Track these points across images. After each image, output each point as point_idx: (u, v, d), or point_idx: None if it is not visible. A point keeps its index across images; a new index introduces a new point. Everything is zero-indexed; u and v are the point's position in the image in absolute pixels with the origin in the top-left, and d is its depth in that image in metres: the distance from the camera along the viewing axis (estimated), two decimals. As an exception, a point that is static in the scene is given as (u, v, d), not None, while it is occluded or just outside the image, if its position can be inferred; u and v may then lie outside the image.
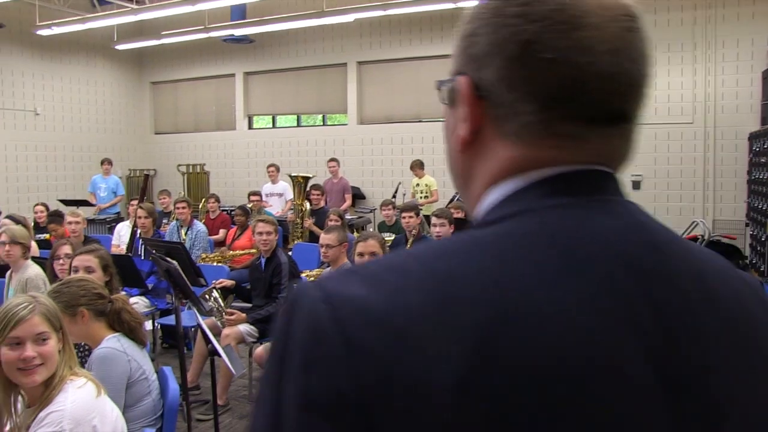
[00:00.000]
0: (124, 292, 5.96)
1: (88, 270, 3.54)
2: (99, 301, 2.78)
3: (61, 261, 4.33)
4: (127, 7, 10.70)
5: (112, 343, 2.72)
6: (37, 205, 8.46)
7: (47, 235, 7.98)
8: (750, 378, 0.63)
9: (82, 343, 2.98)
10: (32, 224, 8.37)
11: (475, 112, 0.67)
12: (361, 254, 4.02)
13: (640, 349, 0.57)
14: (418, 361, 0.53)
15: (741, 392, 0.62)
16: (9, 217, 7.59)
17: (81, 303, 2.70)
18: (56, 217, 8.02)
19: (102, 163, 11.30)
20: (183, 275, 3.80)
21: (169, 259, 3.86)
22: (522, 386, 0.53)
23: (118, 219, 10.16)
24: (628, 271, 0.60)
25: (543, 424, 0.53)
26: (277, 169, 10.86)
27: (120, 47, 12.94)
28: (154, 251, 4.55)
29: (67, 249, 4.36)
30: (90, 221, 9.32)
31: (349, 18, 10.70)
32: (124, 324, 2.82)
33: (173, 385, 2.85)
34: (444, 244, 0.62)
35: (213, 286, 4.79)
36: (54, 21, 11.01)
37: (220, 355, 3.44)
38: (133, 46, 12.98)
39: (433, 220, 5.63)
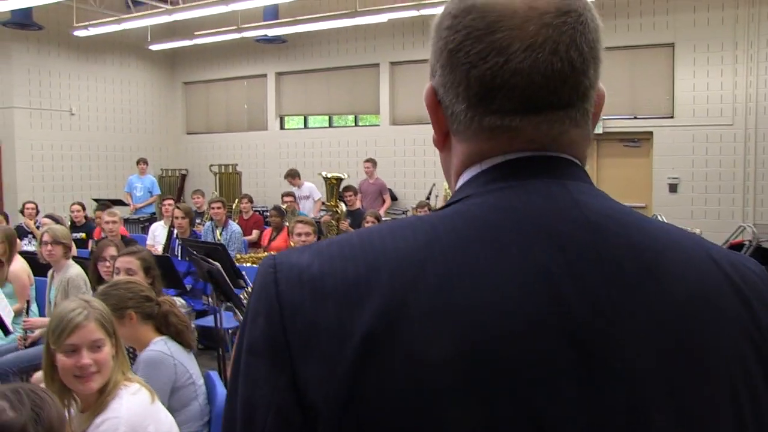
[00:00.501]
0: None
1: (130, 272, 3.49)
2: (146, 304, 2.75)
3: (107, 263, 4.28)
4: (161, 7, 10.74)
5: (159, 346, 2.68)
6: (73, 204, 8.51)
7: (83, 234, 8.05)
8: (682, 356, 0.64)
9: (128, 347, 2.94)
10: (69, 223, 8.45)
11: (437, 115, 0.77)
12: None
13: (557, 320, 0.62)
14: (337, 315, 0.62)
15: (670, 373, 0.63)
16: (48, 216, 7.66)
17: (129, 305, 2.67)
18: (105, 207, 8.16)
19: (138, 162, 11.36)
20: (226, 277, 3.76)
21: (212, 260, 3.81)
22: (429, 341, 0.60)
23: (152, 219, 10.20)
24: (554, 248, 0.65)
25: (445, 387, 0.59)
26: (293, 176, 10.54)
27: (154, 47, 13.01)
28: (194, 252, 4.51)
29: (112, 251, 4.32)
30: (125, 221, 9.37)
31: (382, 18, 10.62)
32: (171, 327, 2.79)
33: (221, 390, 2.81)
34: (393, 224, 0.70)
35: (251, 286, 4.74)
36: (90, 22, 11.10)
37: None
38: (166, 46, 13.04)
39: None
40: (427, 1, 9.84)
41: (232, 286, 3.89)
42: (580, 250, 0.65)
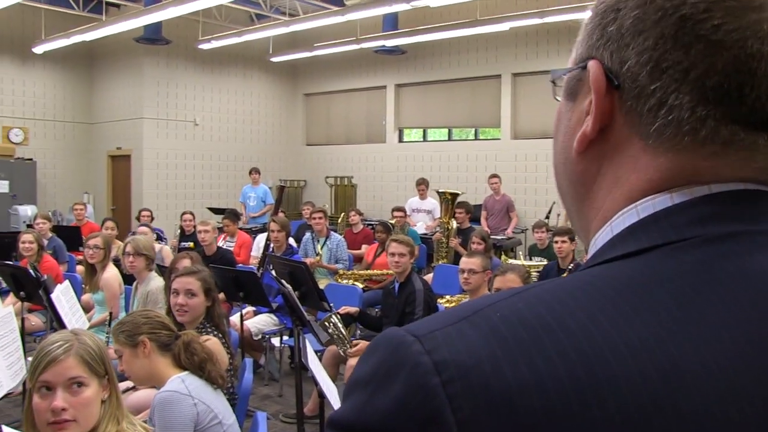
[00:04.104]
0: (252, 309, 5.80)
1: (190, 293, 3.21)
2: (163, 332, 2.47)
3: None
4: (280, 19, 10.77)
5: (175, 385, 2.37)
6: (185, 213, 8.57)
7: (191, 243, 8.06)
8: None
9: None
10: (179, 232, 8.51)
11: (604, 103, 0.54)
12: (498, 290, 3.46)
13: None
14: None
15: None
16: (144, 225, 7.71)
17: (142, 331, 2.40)
18: (232, 214, 8.33)
19: (250, 172, 11.44)
20: (297, 301, 3.42)
21: (284, 282, 3.49)
22: None
23: (263, 229, 10.18)
24: None
25: None
26: (427, 186, 10.39)
27: (275, 59, 13.18)
28: (272, 271, 4.22)
29: (186, 263, 4.12)
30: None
31: (503, 27, 10.16)
32: (192, 358, 2.47)
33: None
34: (589, 291, 0.48)
35: (334, 312, 4.39)
36: (213, 35, 11.33)
37: (325, 397, 3.01)
38: (286, 58, 13.18)
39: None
40: (550, 8, 9.27)
41: (303, 311, 3.54)
42: None
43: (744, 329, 0.45)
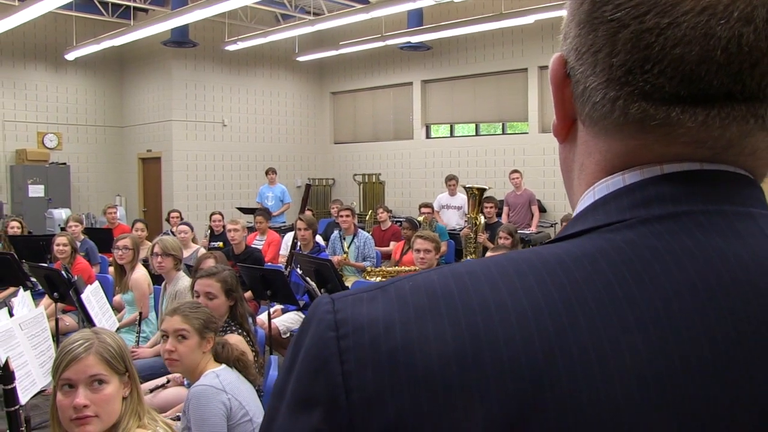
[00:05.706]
0: (280, 307, 5.84)
1: (209, 296, 3.23)
2: (216, 335, 2.54)
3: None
4: (305, 18, 10.83)
5: (209, 379, 2.41)
6: (214, 213, 8.66)
7: (220, 243, 8.15)
8: None
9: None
10: (208, 232, 8.60)
11: (562, 93, 0.57)
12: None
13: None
14: (436, 413, 0.44)
15: None
16: (185, 224, 7.80)
17: (213, 329, 2.47)
18: (265, 212, 8.51)
19: (267, 173, 11.52)
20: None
21: (308, 279, 3.51)
22: None
23: (290, 228, 10.24)
24: (760, 327, 0.44)
25: None
26: (457, 182, 10.36)
27: (301, 59, 13.26)
28: (298, 268, 4.25)
29: (210, 262, 4.17)
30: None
31: (528, 20, 10.07)
32: (232, 352, 2.53)
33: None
34: (505, 264, 0.50)
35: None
36: (239, 36, 11.44)
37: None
38: (313, 57, 13.25)
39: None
40: (577, -1, 9.16)
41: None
42: None
43: (654, 308, 0.45)
